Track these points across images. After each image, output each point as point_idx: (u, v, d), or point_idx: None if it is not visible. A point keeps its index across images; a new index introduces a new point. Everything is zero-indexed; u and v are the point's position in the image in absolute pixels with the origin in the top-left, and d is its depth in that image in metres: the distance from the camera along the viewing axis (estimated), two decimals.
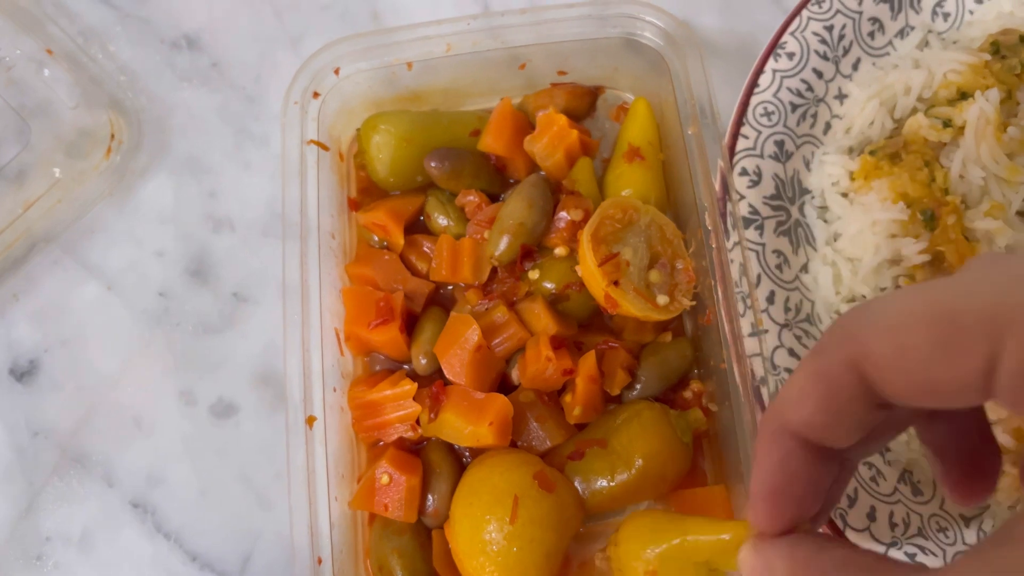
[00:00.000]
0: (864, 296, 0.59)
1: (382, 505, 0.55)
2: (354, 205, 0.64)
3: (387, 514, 0.55)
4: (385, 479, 0.56)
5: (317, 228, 0.57)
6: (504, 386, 0.58)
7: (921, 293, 0.27)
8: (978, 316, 0.25)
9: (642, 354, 0.59)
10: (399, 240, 0.62)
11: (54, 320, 0.66)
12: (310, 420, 0.54)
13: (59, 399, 0.64)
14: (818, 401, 0.30)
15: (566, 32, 0.62)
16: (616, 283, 0.56)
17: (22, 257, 0.67)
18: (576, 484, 0.55)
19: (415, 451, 0.59)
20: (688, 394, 0.58)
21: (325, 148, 0.60)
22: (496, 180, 0.64)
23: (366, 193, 0.65)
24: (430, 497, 0.56)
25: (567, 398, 0.57)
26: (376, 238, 0.63)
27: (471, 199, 0.62)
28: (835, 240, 0.62)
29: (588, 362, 0.56)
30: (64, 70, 0.70)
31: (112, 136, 0.69)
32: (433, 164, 0.61)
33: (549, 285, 0.59)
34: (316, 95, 0.61)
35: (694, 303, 0.58)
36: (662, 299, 0.57)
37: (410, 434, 0.58)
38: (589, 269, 0.56)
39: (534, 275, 0.59)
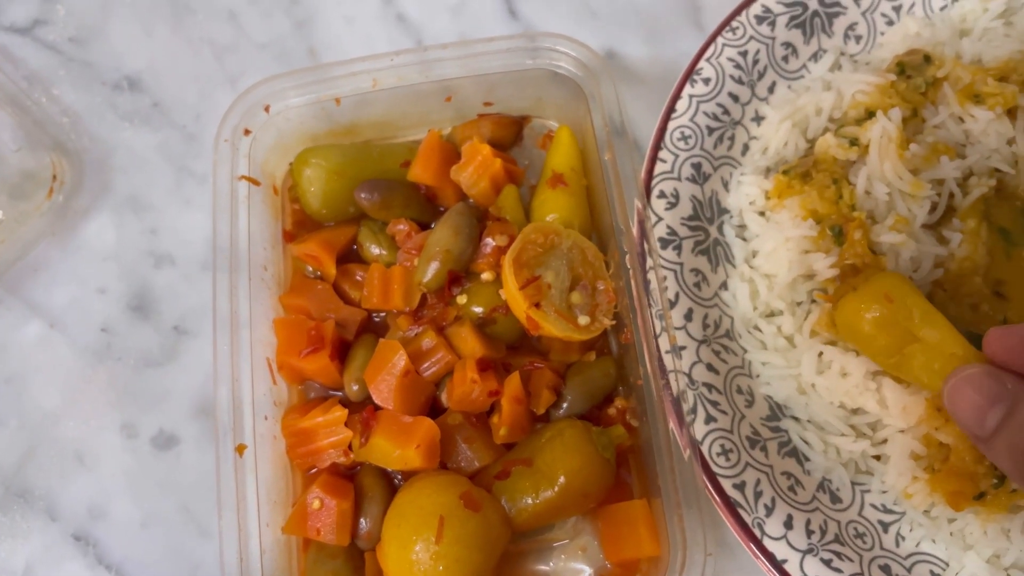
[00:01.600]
0: (781, 311, 0.61)
1: (314, 530, 0.56)
2: (288, 237, 0.66)
3: (320, 538, 0.56)
4: (317, 504, 0.57)
5: (248, 261, 0.59)
6: (435, 409, 0.60)
7: None
8: None
9: (568, 374, 0.61)
10: (331, 270, 0.63)
11: None
12: (240, 448, 0.56)
13: (3, 436, 0.65)
14: None
15: (491, 65, 0.65)
16: (537, 305, 0.58)
17: None
18: (503, 503, 0.56)
19: (349, 476, 0.60)
20: (612, 411, 0.60)
21: (256, 183, 0.62)
22: (426, 209, 0.66)
23: (300, 225, 0.67)
24: (363, 520, 0.58)
25: (494, 419, 0.59)
26: (311, 268, 0.65)
27: (401, 228, 0.64)
28: (753, 257, 0.64)
29: (513, 383, 0.58)
30: (8, 114, 0.72)
31: (54, 177, 0.71)
32: (363, 195, 0.63)
33: (477, 309, 0.60)
34: (247, 132, 0.63)
35: (615, 322, 0.60)
36: (583, 319, 0.59)
37: (343, 459, 0.59)
38: (511, 292, 0.58)
39: (462, 300, 0.61)
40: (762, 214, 0.64)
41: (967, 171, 0.63)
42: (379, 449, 0.57)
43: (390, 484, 0.59)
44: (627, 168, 0.60)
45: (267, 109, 0.64)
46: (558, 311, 0.58)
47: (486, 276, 0.61)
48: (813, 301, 0.61)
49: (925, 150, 0.62)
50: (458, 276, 0.61)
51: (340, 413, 0.58)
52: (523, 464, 0.57)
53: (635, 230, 0.59)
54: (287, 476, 0.60)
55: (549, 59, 0.65)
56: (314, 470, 0.60)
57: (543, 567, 0.59)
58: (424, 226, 0.65)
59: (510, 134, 0.68)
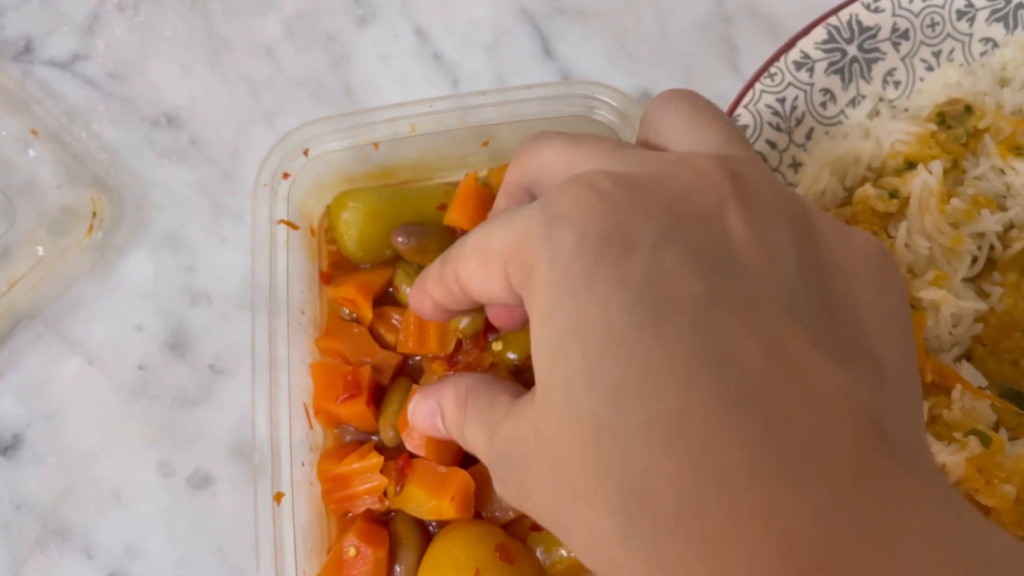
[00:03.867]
0: None
1: None
2: (325, 279, 0.66)
3: None
4: (352, 552, 0.57)
5: (287, 305, 0.60)
6: (468, 458, 0.60)
7: (476, 233, 0.36)
8: (496, 250, 0.34)
9: None
10: (367, 313, 0.64)
11: (37, 394, 0.68)
12: (278, 496, 0.56)
13: (41, 473, 0.66)
14: (442, 296, 0.40)
15: (528, 111, 0.65)
16: None
17: (6, 333, 0.69)
18: (538, 555, 0.56)
19: (383, 521, 0.60)
20: None
21: (295, 227, 0.63)
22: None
23: (337, 267, 0.67)
24: (397, 568, 0.58)
25: None
26: (346, 311, 0.65)
27: None
28: None
29: None
30: (48, 150, 0.73)
31: (94, 214, 0.72)
32: (400, 239, 0.64)
33: (512, 356, 0.60)
34: (286, 176, 0.64)
35: None
36: None
37: (378, 506, 0.59)
38: None
39: (497, 346, 0.61)
40: None
41: (1008, 224, 0.63)
42: (413, 498, 0.57)
43: (424, 532, 0.60)
44: None
45: (306, 153, 0.64)
46: None
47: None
48: None
49: (966, 203, 0.62)
50: None
51: (376, 460, 0.59)
52: None
53: None
54: (322, 522, 0.60)
55: (586, 106, 0.65)
56: (349, 515, 0.60)
57: None
58: None
59: None
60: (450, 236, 0.66)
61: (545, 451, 0.30)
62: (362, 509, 0.60)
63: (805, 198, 0.35)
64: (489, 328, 0.61)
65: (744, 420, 0.26)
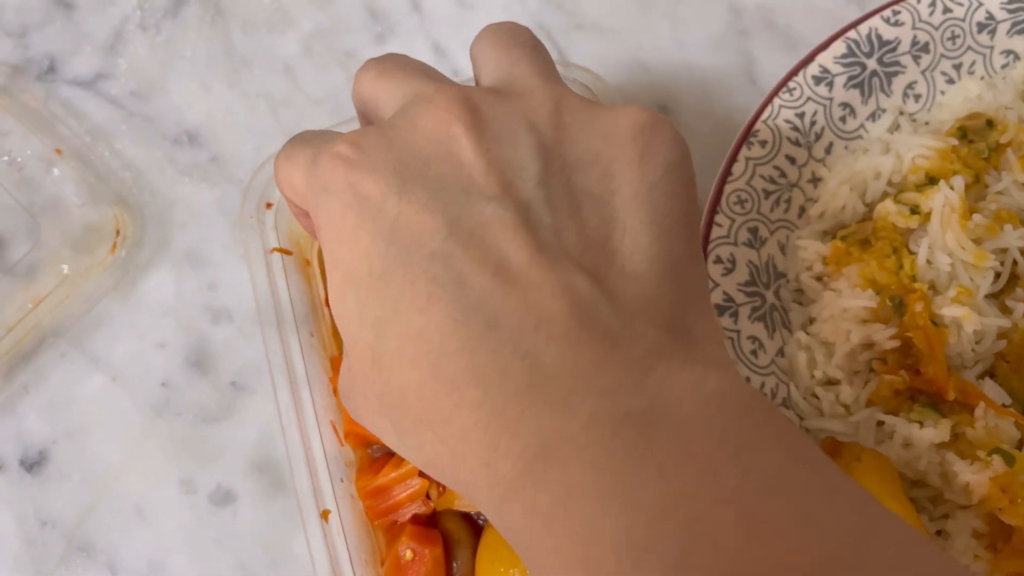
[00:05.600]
0: (839, 380, 0.61)
1: None
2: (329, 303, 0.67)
3: None
4: (409, 555, 0.58)
5: (295, 328, 0.60)
6: None
7: (292, 159, 0.43)
8: (294, 188, 0.42)
9: None
10: None
11: (62, 412, 0.69)
12: (325, 514, 0.57)
13: (66, 489, 0.67)
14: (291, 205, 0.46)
15: None
16: None
17: (32, 351, 0.70)
18: None
19: (431, 524, 0.61)
20: None
21: (288, 253, 0.64)
22: None
23: None
24: (455, 564, 0.59)
25: None
26: None
27: None
28: (811, 323, 0.64)
29: None
30: (72, 169, 0.74)
31: (117, 232, 0.72)
32: None
33: None
34: (269, 205, 0.64)
35: None
36: None
37: (423, 509, 0.60)
38: None
39: None
40: (819, 279, 0.64)
41: None
42: (457, 494, 0.58)
43: (474, 525, 0.61)
44: None
45: None
46: None
47: None
48: (872, 370, 0.60)
49: (988, 219, 0.61)
50: None
51: (411, 465, 0.59)
52: None
53: None
54: (370, 535, 0.61)
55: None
56: (396, 524, 0.61)
57: None
58: None
59: None
60: None
61: (354, 383, 0.36)
62: (408, 516, 0.60)
63: (563, 94, 0.38)
64: None
65: (469, 331, 0.31)
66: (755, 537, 0.28)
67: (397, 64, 0.42)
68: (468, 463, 0.31)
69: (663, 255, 0.34)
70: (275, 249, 0.63)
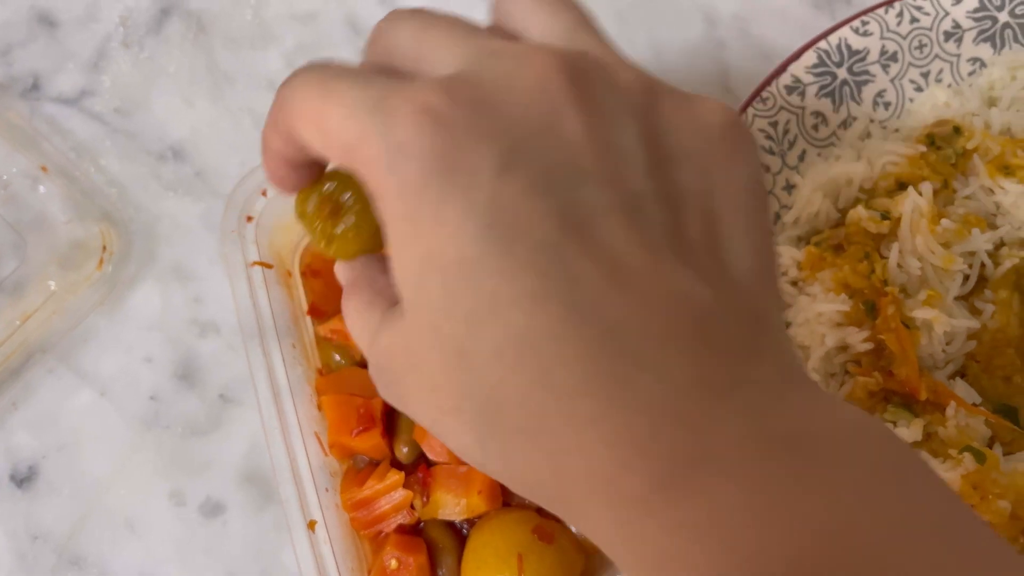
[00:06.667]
0: (815, 382, 0.62)
1: None
2: (315, 312, 0.68)
3: None
4: (394, 564, 0.59)
5: (278, 339, 0.61)
6: None
7: (314, 90, 0.34)
8: (337, 137, 0.32)
9: None
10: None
11: (51, 427, 0.70)
12: (311, 524, 0.58)
13: (56, 503, 0.68)
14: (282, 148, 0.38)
15: None
16: None
17: (19, 367, 0.71)
18: (574, 530, 0.59)
19: (416, 533, 0.62)
20: None
21: (269, 266, 0.65)
22: None
23: (320, 302, 0.69)
24: (440, 572, 0.60)
25: None
26: (337, 357, 0.67)
27: None
28: (787, 327, 0.65)
29: None
30: (58, 185, 0.75)
31: (103, 247, 0.73)
32: None
33: None
34: (249, 219, 0.65)
35: None
36: None
37: (408, 520, 0.61)
38: None
39: None
40: (794, 284, 0.65)
41: (998, 242, 0.64)
42: (442, 503, 0.59)
43: (458, 533, 0.62)
44: None
45: (264, 193, 0.66)
46: None
47: None
48: (847, 372, 0.62)
49: (957, 223, 0.63)
50: None
51: (397, 477, 0.60)
52: None
53: None
54: (356, 545, 0.62)
55: None
56: (381, 535, 0.62)
57: None
58: None
59: None
60: None
61: (416, 369, 0.31)
62: (393, 526, 0.61)
63: (651, 77, 0.34)
64: None
65: (582, 334, 0.27)
66: (930, 569, 0.27)
67: (443, 17, 0.34)
68: (579, 479, 0.28)
69: (763, 269, 0.32)
70: (256, 262, 0.64)
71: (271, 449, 0.59)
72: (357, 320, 0.38)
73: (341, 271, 0.40)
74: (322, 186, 0.37)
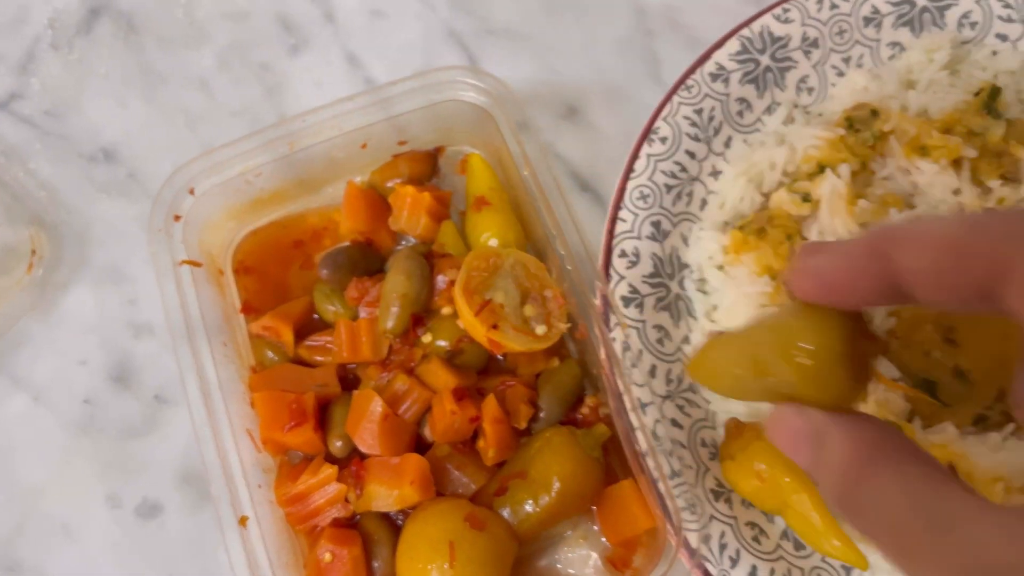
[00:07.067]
0: None
1: None
2: (248, 310, 0.68)
3: None
4: (328, 557, 0.59)
5: (207, 338, 0.61)
6: (422, 446, 0.63)
7: (950, 229, 0.34)
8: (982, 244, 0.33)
9: (538, 384, 0.64)
10: (289, 338, 0.66)
11: None
12: (243, 520, 0.58)
13: None
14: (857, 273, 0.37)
15: (401, 107, 0.67)
16: (495, 326, 0.61)
17: None
18: (505, 515, 0.59)
19: (352, 525, 0.62)
20: (585, 410, 0.64)
21: (198, 264, 0.65)
22: (375, 259, 0.68)
23: (253, 300, 0.69)
24: (375, 564, 0.60)
25: (480, 443, 0.61)
26: (271, 354, 0.67)
27: (359, 286, 0.66)
28: (713, 311, 0.66)
29: (491, 406, 0.61)
30: None
31: (33, 251, 0.73)
32: (325, 271, 0.66)
33: (443, 343, 0.63)
34: (177, 218, 0.65)
35: (570, 324, 0.63)
36: (540, 329, 0.62)
37: (343, 513, 0.61)
38: (468, 320, 0.61)
39: (427, 338, 0.64)
40: (721, 268, 0.67)
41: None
42: (376, 495, 0.60)
43: (392, 524, 0.62)
44: (547, 180, 0.63)
45: (192, 192, 0.66)
46: (515, 327, 0.61)
47: (446, 311, 0.64)
48: None
49: (875, 203, 0.64)
50: (419, 317, 0.64)
51: (330, 471, 0.61)
52: (518, 477, 0.60)
53: (599, 303, 0.62)
54: (292, 540, 0.62)
55: (454, 91, 0.67)
56: (317, 529, 0.62)
57: (551, 563, 0.62)
58: (376, 276, 0.68)
59: (427, 168, 0.71)
60: (366, 250, 0.68)
61: None
62: (328, 520, 0.61)
63: None
64: (417, 323, 0.63)
65: None
66: None
67: None
68: None
69: None
70: (184, 261, 0.63)
71: (202, 448, 0.58)
72: (895, 498, 0.33)
73: (844, 427, 0.37)
74: None
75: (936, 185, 0.65)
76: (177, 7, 0.82)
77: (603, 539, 0.61)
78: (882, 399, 0.60)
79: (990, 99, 0.68)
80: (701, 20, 0.81)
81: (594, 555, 0.61)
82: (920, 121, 0.67)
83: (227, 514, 0.57)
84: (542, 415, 0.63)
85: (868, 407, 0.59)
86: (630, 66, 0.79)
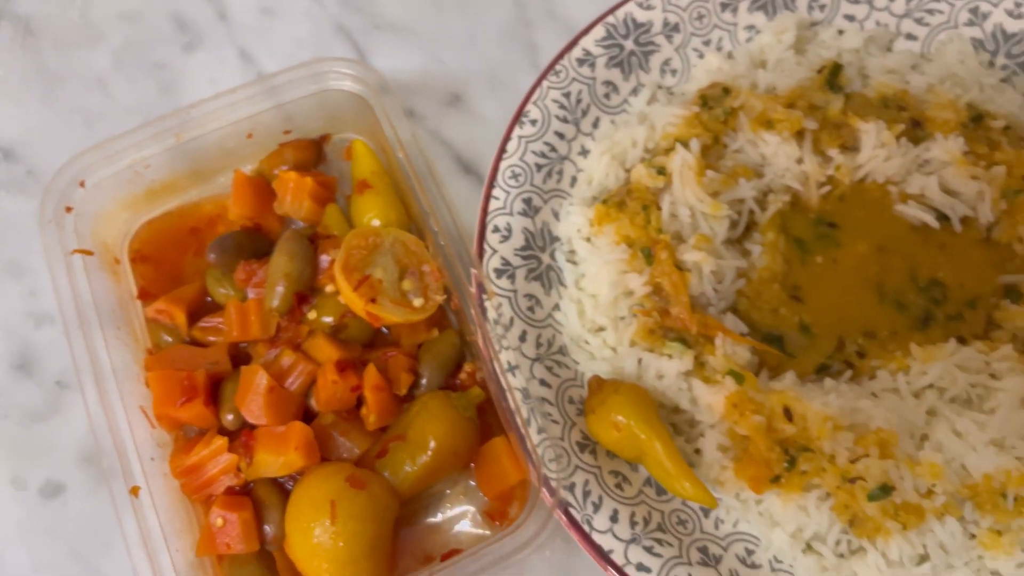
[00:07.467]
0: (605, 326, 0.68)
1: (224, 545, 0.62)
2: (145, 296, 0.71)
3: (230, 551, 0.62)
4: (220, 522, 0.63)
5: (100, 324, 0.64)
6: (309, 416, 0.66)
7: None
8: None
9: (420, 353, 0.68)
10: (182, 320, 0.69)
11: None
12: (134, 490, 0.61)
13: None
14: None
15: (284, 96, 0.71)
16: (373, 300, 0.65)
17: None
18: (387, 477, 0.64)
19: (247, 493, 0.66)
20: (464, 376, 0.68)
21: (90, 253, 0.68)
22: (263, 243, 0.72)
23: (150, 286, 0.72)
24: (267, 527, 0.64)
25: (364, 410, 0.65)
26: (166, 336, 0.70)
27: (247, 268, 0.69)
28: (582, 279, 0.71)
29: (371, 374, 0.65)
30: None
31: None
32: (213, 255, 0.69)
33: (327, 319, 0.67)
34: (69, 209, 0.68)
35: (447, 296, 0.68)
36: (418, 301, 0.67)
37: (235, 481, 0.65)
38: (348, 296, 0.66)
39: (312, 315, 0.68)
40: (588, 240, 0.71)
41: (766, 189, 0.71)
42: (264, 463, 0.64)
43: (283, 490, 0.66)
44: (420, 163, 0.68)
45: (82, 184, 0.69)
46: (393, 300, 0.66)
47: (329, 289, 0.68)
48: (633, 315, 0.68)
49: (725, 173, 0.70)
50: (304, 295, 0.68)
51: (221, 441, 0.64)
52: (398, 440, 0.64)
53: (474, 289, 0.67)
54: (187, 508, 0.65)
55: (332, 80, 0.72)
56: (212, 498, 0.65)
57: (434, 519, 0.67)
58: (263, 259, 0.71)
59: (312, 154, 0.75)
60: (253, 234, 0.72)
61: None
62: (222, 488, 0.65)
63: None
64: (302, 300, 0.67)
65: None
66: None
67: None
68: None
69: None
70: (76, 251, 0.66)
71: (94, 425, 0.61)
72: None
73: None
74: None
75: (780, 155, 0.70)
76: (73, 9, 0.85)
77: (481, 494, 0.66)
78: (729, 352, 0.65)
79: (832, 75, 0.74)
80: (577, 9, 0.86)
81: (472, 509, 0.66)
82: (766, 97, 0.72)
83: (119, 487, 0.61)
84: (424, 382, 0.67)
85: (717, 360, 0.64)
86: (511, 55, 0.84)
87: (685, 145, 0.69)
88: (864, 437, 0.61)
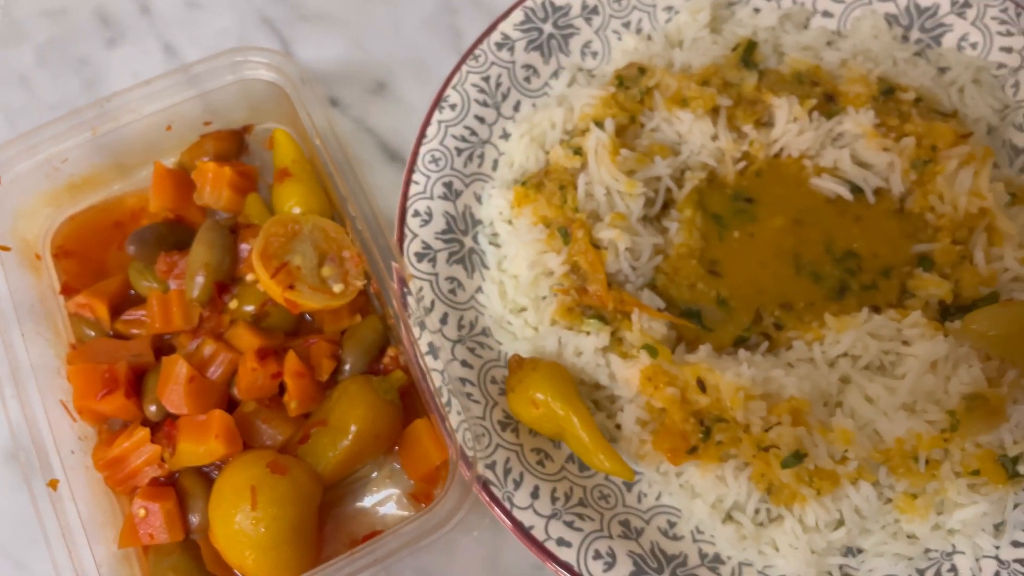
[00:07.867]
0: (526, 306, 0.69)
1: (147, 535, 0.63)
2: (68, 291, 0.71)
3: (153, 541, 0.63)
4: (142, 512, 0.63)
5: (17, 322, 0.64)
6: (233, 405, 0.66)
7: None
8: None
9: (343, 340, 0.69)
10: (104, 313, 0.69)
11: None
12: (53, 483, 0.61)
13: None
14: None
15: (203, 87, 0.71)
16: (291, 287, 0.65)
17: None
18: (310, 462, 0.64)
19: (172, 484, 0.66)
20: (387, 360, 0.69)
21: (7, 249, 0.68)
22: (185, 234, 0.72)
23: (74, 281, 0.72)
24: (191, 517, 0.64)
25: (286, 397, 0.66)
26: (88, 330, 0.70)
27: (167, 260, 0.69)
28: (504, 260, 0.71)
29: (291, 361, 0.65)
30: None
31: None
32: (132, 247, 0.70)
33: (249, 308, 0.68)
34: None
35: (367, 281, 0.68)
36: (338, 287, 0.67)
37: (159, 472, 0.65)
38: (266, 283, 0.66)
39: (233, 304, 0.68)
40: (510, 222, 0.72)
41: (682, 167, 0.72)
42: (186, 452, 0.64)
43: (208, 480, 0.66)
44: (337, 151, 0.68)
45: None
46: (312, 287, 0.66)
47: (250, 278, 0.69)
48: (553, 295, 0.69)
49: (642, 152, 0.70)
50: (225, 285, 0.68)
51: (143, 432, 0.64)
52: (320, 425, 0.65)
53: (396, 285, 0.67)
54: (111, 501, 0.65)
55: (252, 71, 0.72)
56: (137, 490, 0.65)
57: (361, 504, 0.67)
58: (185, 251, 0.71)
59: (233, 145, 0.75)
60: (174, 226, 0.72)
61: None
62: (147, 480, 0.65)
63: None
64: (223, 290, 0.68)
65: None
66: None
67: None
68: None
69: None
70: None
71: (12, 422, 0.61)
72: None
73: None
74: None
75: (695, 133, 0.71)
76: None
77: (407, 477, 0.66)
78: (646, 328, 0.66)
79: (746, 53, 0.75)
80: None
81: (398, 492, 0.66)
82: (680, 75, 0.73)
83: (38, 481, 0.61)
84: (347, 367, 0.67)
85: (633, 336, 0.65)
86: (435, 42, 0.84)
87: (600, 125, 0.70)
88: (777, 406, 0.62)
